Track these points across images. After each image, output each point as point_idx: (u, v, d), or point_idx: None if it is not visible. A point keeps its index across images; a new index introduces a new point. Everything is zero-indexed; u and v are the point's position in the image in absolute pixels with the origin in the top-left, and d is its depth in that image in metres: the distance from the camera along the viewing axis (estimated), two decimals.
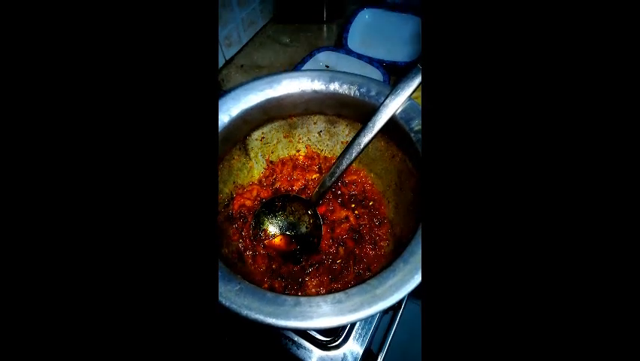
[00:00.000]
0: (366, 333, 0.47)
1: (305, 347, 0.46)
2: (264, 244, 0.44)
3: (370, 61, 0.66)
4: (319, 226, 0.44)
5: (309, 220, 0.45)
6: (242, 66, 0.74)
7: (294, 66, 0.68)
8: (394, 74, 0.66)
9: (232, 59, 0.75)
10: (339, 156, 0.40)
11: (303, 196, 0.47)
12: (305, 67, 0.67)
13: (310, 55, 0.68)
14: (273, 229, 0.45)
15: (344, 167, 0.40)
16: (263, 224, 0.45)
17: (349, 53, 0.68)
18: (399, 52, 0.71)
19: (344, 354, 0.46)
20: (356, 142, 0.38)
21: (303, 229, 0.45)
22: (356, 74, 0.41)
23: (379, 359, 0.50)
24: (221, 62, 0.73)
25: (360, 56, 0.67)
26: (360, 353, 0.46)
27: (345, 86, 0.41)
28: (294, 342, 0.47)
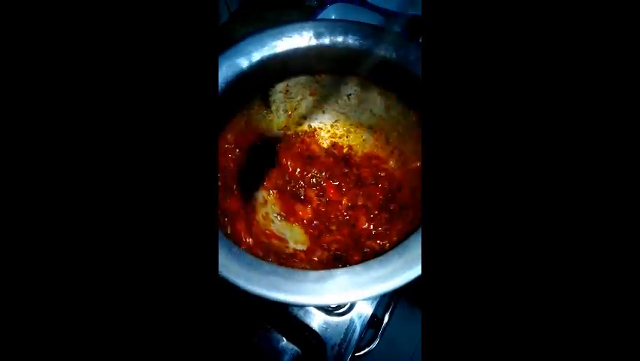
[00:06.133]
0: (374, 298, 0.47)
1: (311, 312, 0.47)
2: None
3: (387, 15, 0.60)
4: None
5: None
6: (249, 20, 0.68)
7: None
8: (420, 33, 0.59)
9: (237, 12, 0.69)
10: None
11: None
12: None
13: (322, 8, 0.62)
14: None
15: None
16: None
17: (363, 3, 0.62)
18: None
19: (351, 319, 0.46)
20: None
21: None
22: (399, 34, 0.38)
23: (385, 320, 0.50)
24: (224, 16, 0.67)
25: (374, 8, 0.61)
26: (368, 317, 0.46)
27: (382, 46, 0.37)
28: (300, 307, 0.47)
